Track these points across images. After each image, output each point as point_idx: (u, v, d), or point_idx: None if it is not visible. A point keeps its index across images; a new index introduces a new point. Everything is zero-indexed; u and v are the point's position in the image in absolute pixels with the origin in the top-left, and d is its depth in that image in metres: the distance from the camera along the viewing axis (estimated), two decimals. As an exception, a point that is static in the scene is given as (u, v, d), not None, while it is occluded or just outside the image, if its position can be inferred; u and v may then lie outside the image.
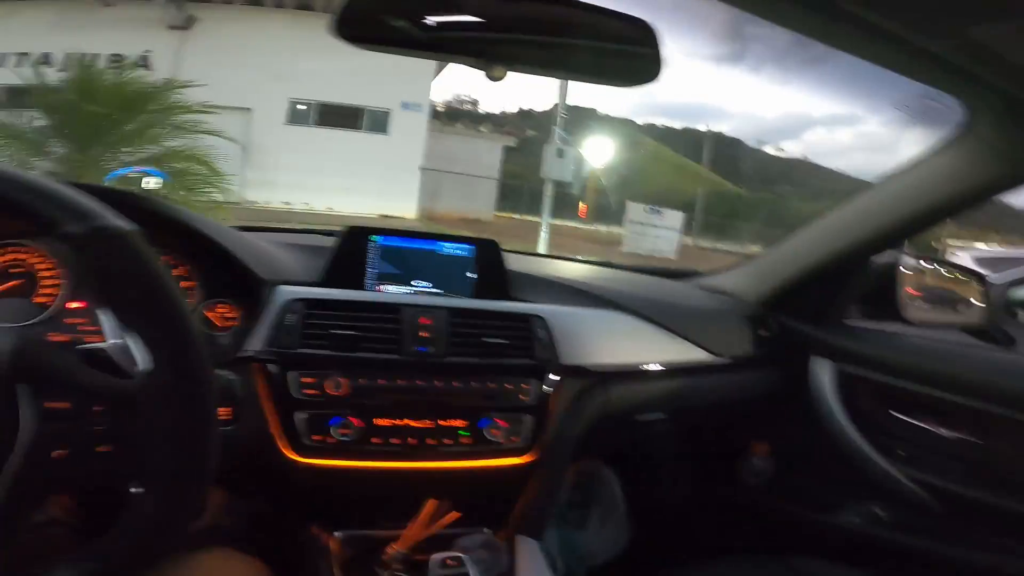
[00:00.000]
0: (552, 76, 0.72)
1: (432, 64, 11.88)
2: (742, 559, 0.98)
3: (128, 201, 0.75)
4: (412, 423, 0.86)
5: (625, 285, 1.20)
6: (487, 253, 1.01)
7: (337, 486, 0.89)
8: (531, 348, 0.92)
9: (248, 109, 9.97)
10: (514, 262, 1.05)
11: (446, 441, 0.87)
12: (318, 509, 0.93)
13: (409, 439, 0.85)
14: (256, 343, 0.81)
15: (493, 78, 0.64)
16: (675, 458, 1.29)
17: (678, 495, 1.36)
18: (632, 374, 1.04)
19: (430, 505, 0.91)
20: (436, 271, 0.99)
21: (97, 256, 0.45)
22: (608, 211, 14.86)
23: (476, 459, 0.89)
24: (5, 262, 0.80)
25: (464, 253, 1.01)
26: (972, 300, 1.19)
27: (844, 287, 1.20)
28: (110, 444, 0.47)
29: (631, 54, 0.64)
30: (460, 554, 0.84)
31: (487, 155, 14.48)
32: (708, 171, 16.14)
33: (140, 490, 0.50)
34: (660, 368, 1.07)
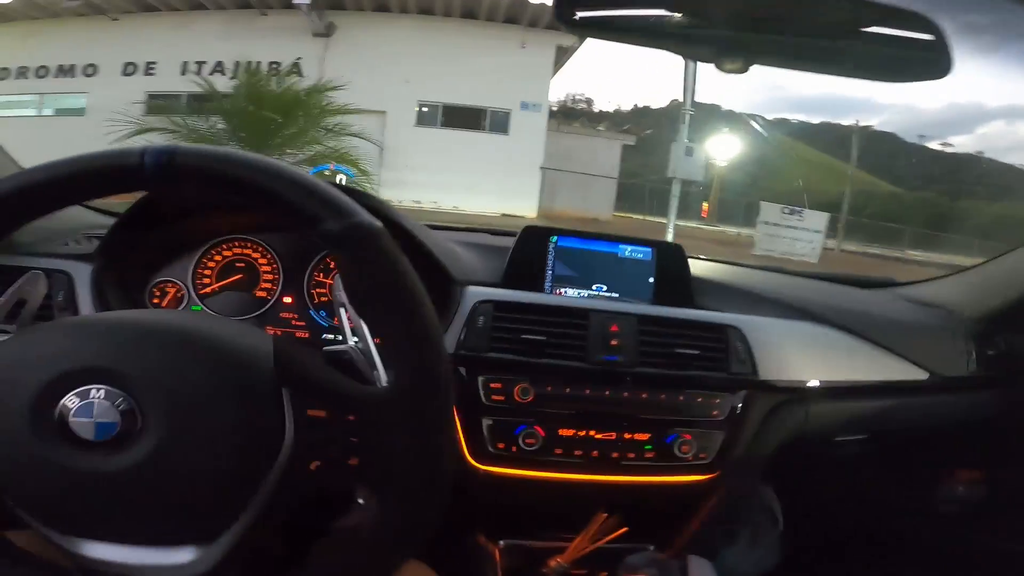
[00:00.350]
0: (801, 69, 0.63)
1: (549, 63, 11.98)
2: None
3: (358, 198, 0.79)
4: (596, 435, 0.82)
5: (817, 294, 1.09)
6: (669, 257, 0.96)
7: (512, 495, 0.88)
8: (726, 361, 0.86)
9: (383, 112, 10.69)
10: (693, 267, 0.98)
11: (629, 455, 0.83)
12: (487, 517, 0.92)
13: (592, 451, 0.82)
14: (448, 344, 0.82)
15: (728, 71, 0.58)
16: (869, 482, 1.17)
17: (858, 520, 1.23)
18: (836, 391, 0.94)
19: (599, 519, 0.88)
20: (615, 274, 0.95)
21: (352, 252, 0.44)
22: (733, 212, 13.94)
23: (659, 475, 0.84)
24: (231, 256, 0.87)
25: (644, 256, 0.96)
26: None
27: None
28: (359, 456, 0.46)
29: (908, 48, 0.54)
30: (651, 574, 0.80)
31: (605, 154, 14.24)
32: (855, 168, 14.46)
33: (364, 501, 0.50)
34: (868, 386, 0.96)
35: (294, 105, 6.20)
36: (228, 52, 10.62)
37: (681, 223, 8.49)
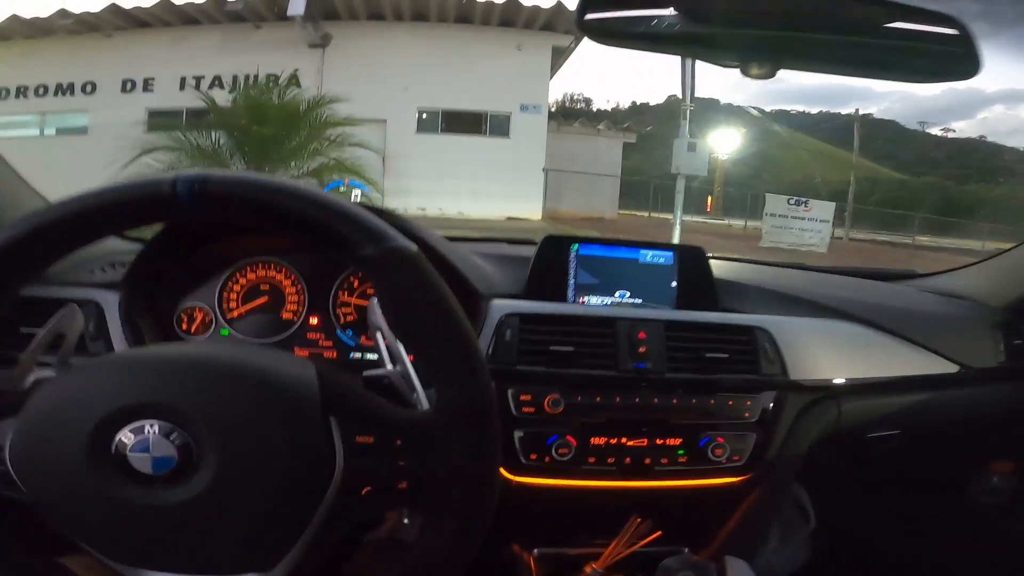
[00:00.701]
0: (829, 72, 0.63)
1: (547, 65, 12.00)
2: None
3: (387, 219, 0.80)
4: (628, 442, 0.82)
5: (841, 290, 1.08)
6: (691, 260, 0.95)
7: (546, 504, 0.88)
8: (756, 362, 0.85)
9: (383, 120, 10.72)
10: (715, 268, 0.97)
11: (663, 460, 0.83)
12: (521, 527, 0.92)
13: (625, 459, 0.82)
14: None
15: (755, 76, 0.57)
16: (903, 478, 1.16)
17: (893, 515, 1.23)
18: (866, 388, 0.94)
19: (633, 523, 0.88)
20: (637, 280, 0.94)
21: (390, 277, 0.44)
22: (738, 205, 13.91)
23: (693, 478, 0.84)
24: (254, 279, 0.88)
25: (666, 261, 0.95)
26: None
27: None
28: (407, 479, 0.45)
29: (934, 49, 0.54)
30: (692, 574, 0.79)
31: (607, 153, 14.23)
32: (858, 157, 14.38)
33: (409, 520, 0.50)
34: (896, 381, 0.96)
35: (295, 118, 6.25)
36: (225, 66, 10.68)
37: (687, 218, 8.48)
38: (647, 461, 0.82)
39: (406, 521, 0.53)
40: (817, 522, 1.23)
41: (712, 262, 0.99)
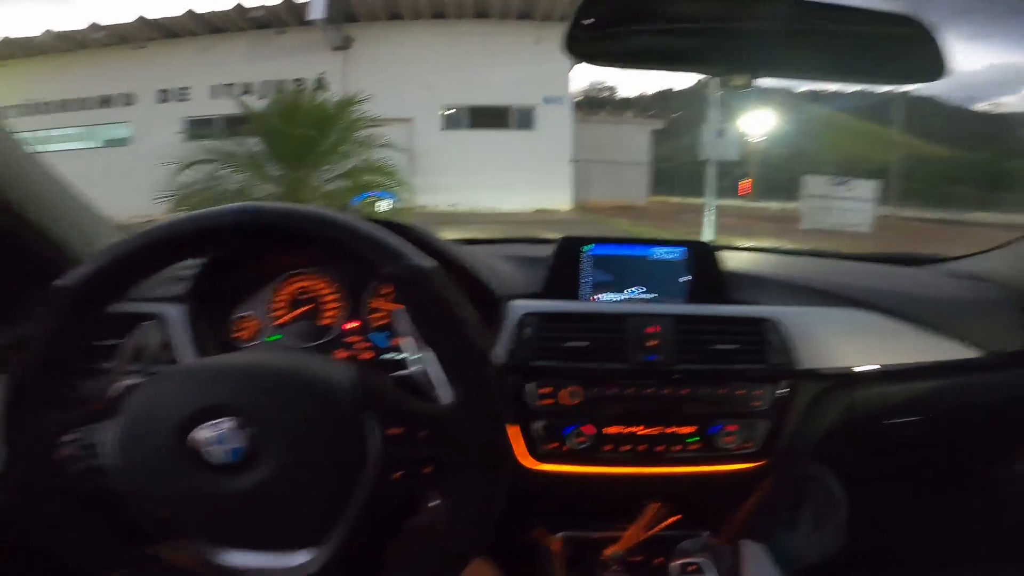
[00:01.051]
0: (806, 79, 0.66)
1: (567, 56, 11.85)
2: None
3: (407, 233, 0.86)
4: (642, 430, 0.86)
5: (857, 278, 1.09)
6: (700, 255, 0.98)
7: (566, 490, 0.93)
8: (763, 353, 0.88)
9: (409, 119, 10.86)
10: (727, 260, 1.00)
11: (674, 448, 0.87)
12: (543, 512, 0.98)
13: (639, 446, 0.86)
14: (497, 357, 0.87)
15: (736, 87, 0.61)
16: (925, 464, 1.16)
17: (919, 502, 1.23)
18: (882, 376, 0.94)
19: (651, 508, 0.92)
20: (649, 277, 0.98)
21: (409, 291, 0.51)
22: (774, 187, 13.51)
23: (705, 464, 0.88)
24: (296, 290, 0.96)
25: (676, 257, 0.98)
26: None
27: None
28: (432, 464, 0.53)
29: (901, 51, 0.57)
30: (699, 560, 0.84)
31: (634, 140, 14.07)
32: (900, 134, 13.74)
33: (437, 503, 0.57)
34: (914, 368, 0.96)
35: (326, 121, 6.39)
36: (253, 72, 10.98)
37: (722, 202, 8.32)
38: (660, 448, 0.86)
39: (432, 504, 0.59)
40: (848, 510, 1.24)
41: (728, 254, 1.02)
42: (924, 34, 0.54)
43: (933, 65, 0.55)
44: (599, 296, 0.97)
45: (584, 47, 0.64)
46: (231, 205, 0.52)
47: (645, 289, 0.97)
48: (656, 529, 0.92)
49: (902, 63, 0.57)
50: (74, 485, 0.52)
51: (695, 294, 0.97)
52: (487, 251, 1.04)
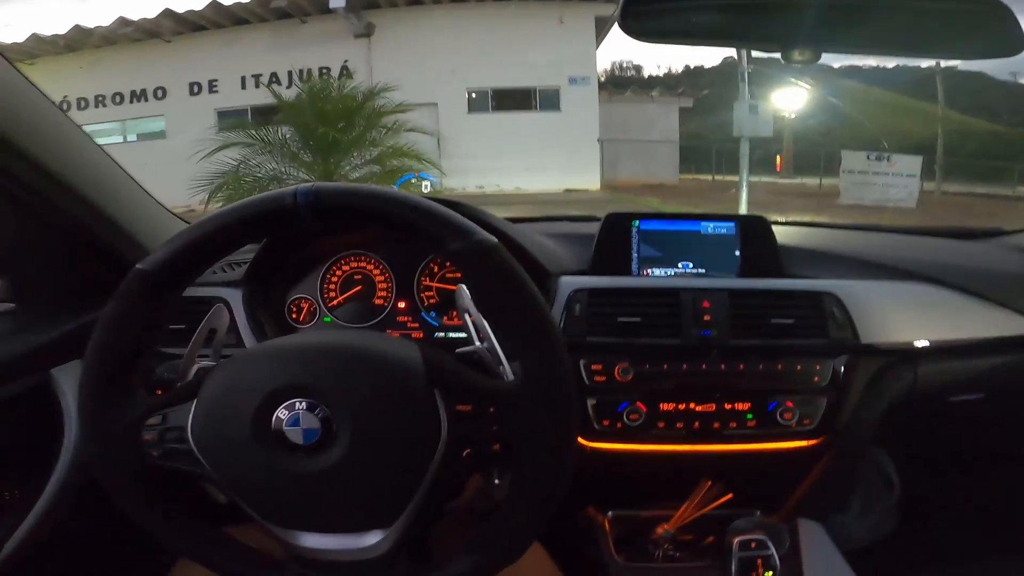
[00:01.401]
0: (872, 54, 0.62)
1: (591, 35, 11.65)
2: None
3: (466, 213, 0.86)
4: (697, 407, 0.85)
5: (917, 251, 1.06)
6: (754, 230, 0.96)
7: (619, 469, 0.92)
8: (824, 327, 0.86)
9: (434, 103, 10.83)
10: (780, 235, 0.97)
11: (731, 424, 0.85)
12: (596, 490, 0.97)
13: (694, 423, 0.85)
14: None
15: (796, 61, 0.58)
16: (987, 444, 1.13)
17: (979, 483, 1.19)
18: (945, 351, 0.91)
19: (703, 486, 0.91)
20: (700, 251, 0.96)
21: (476, 267, 0.50)
22: (810, 163, 13.08)
23: (762, 442, 0.86)
24: (348, 271, 0.97)
25: (728, 231, 0.96)
26: None
27: None
28: (500, 441, 0.52)
29: (977, 25, 0.53)
30: (759, 536, 0.83)
31: (662, 119, 13.77)
32: (944, 109, 13.10)
33: (499, 481, 0.56)
34: (979, 343, 0.92)
35: (354, 109, 6.43)
36: (279, 63, 11.07)
37: (755, 179, 8.11)
38: (716, 425, 0.85)
39: (497, 482, 0.59)
40: (900, 489, 1.21)
41: (778, 228, 0.99)
42: (1001, 7, 0.51)
43: (1010, 40, 0.51)
44: (650, 271, 0.96)
45: (640, 25, 0.61)
46: (301, 185, 0.51)
47: (695, 264, 0.96)
48: (709, 508, 0.91)
49: (978, 37, 0.53)
50: (155, 466, 0.52)
51: (747, 268, 0.94)
52: (532, 228, 1.03)
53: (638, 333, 0.86)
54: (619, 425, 0.85)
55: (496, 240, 0.51)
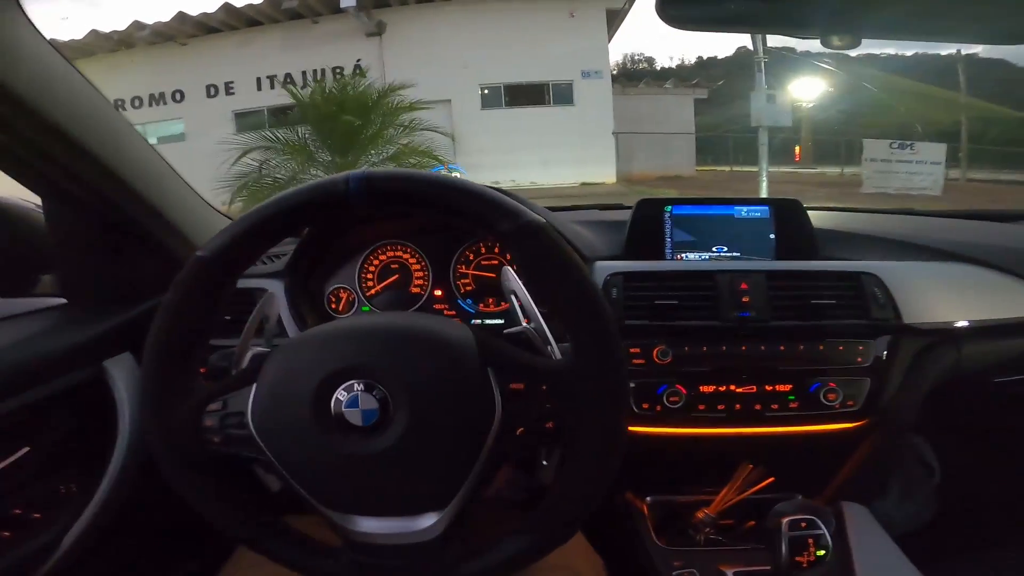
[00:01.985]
0: (910, 39, 0.61)
1: (603, 28, 11.54)
2: None
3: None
4: (737, 389, 0.85)
5: (956, 233, 1.04)
6: (788, 213, 0.96)
7: (660, 452, 0.92)
8: (866, 307, 0.85)
9: (448, 100, 10.83)
10: (815, 219, 0.97)
11: (773, 406, 0.85)
12: (635, 475, 0.97)
13: (735, 405, 0.85)
14: None
15: (835, 47, 0.57)
16: None
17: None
18: (988, 331, 0.90)
19: (744, 470, 0.91)
20: (733, 235, 0.96)
21: (527, 247, 0.50)
22: (830, 152, 12.86)
23: (805, 424, 0.86)
24: (385, 260, 0.98)
25: (761, 215, 0.96)
26: None
27: None
28: (553, 419, 0.52)
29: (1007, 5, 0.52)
30: (809, 517, 0.82)
31: (677, 111, 13.63)
32: (965, 97, 12.78)
33: (547, 462, 0.56)
34: (1021, 323, 0.91)
35: (368, 107, 6.46)
36: (292, 63, 11.13)
37: (774, 169, 8.00)
38: (757, 407, 0.85)
39: (544, 463, 0.59)
40: (943, 475, 1.19)
41: (811, 213, 0.98)
42: None
43: None
44: (684, 255, 0.96)
45: (678, 11, 0.61)
46: (351, 171, 0.52)
47: (730, 248, 0.96)
48: (750, 491, 0.90)
49: (1010, 21, 0.52)
50: (215, 453, 0.52)
51: (783, 251, 0.94)
52: (565, 216, 1.04)
53: (675, 316, 0.85)
54: (659, 408, 0.85)
55: (544, 221, 0.51)
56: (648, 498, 0.97)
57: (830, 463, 0.94)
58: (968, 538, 1.14)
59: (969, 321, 0.89)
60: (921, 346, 0.87)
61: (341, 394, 0.49)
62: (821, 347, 0.84)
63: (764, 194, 6.48)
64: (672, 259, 0.95)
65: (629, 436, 0.85)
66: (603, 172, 10.93)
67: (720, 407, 0.85)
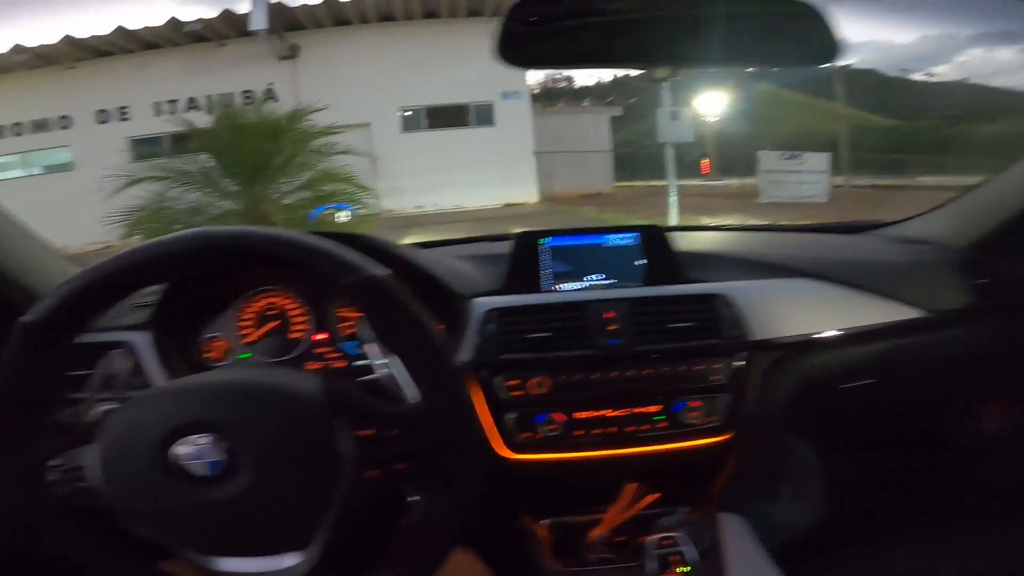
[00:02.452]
0: (720, 67, 0.68)
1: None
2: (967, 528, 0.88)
3: (363, 244, 0.85)
4: (610, 413, 0.89)
5: (803, 249, 1.14)
6: (653, 239, 1.01)
7: (545, 477, 0.95)
8: (718, 328, 0.91)
9: (367, 124, 10.70)
10: (680, 241, 1.03)
11: (643, 427, 0.89)
12: (529, 501, 0.99)
13: (609, 428, 0.89)
14: (465, 354, 0.88)
15: (658, 80, 0.63)
16: (889, 426, 1.20)
17: (890, 465, 1.26)
18: (833, 341, 0.98)
19: (629, 489, 0.95)
20: (606, 263, 1.01)
21: (368, 300, 0.53)
22: (734, 164, 13.81)
23: (674, 442, 0.90)
24: (263, 307, 0.95)
25: (630, 242, 1.01)
26: None
27: None
28: (406, 461, 0.55)
29: (802, 37, 0.60)
30: (675, 534, 0.86)
31: (595, 128, 14.21)
32: (845, 107, 14.22)
33: (418, 498, 0.58)
34: (863, 331, 0.99)
35: (278, 132, 6.24)
36: (197, 87, 10.62)
37: (684, 183, 8.48)
38: (630, 429, 0.89)
39: (413, 499, 0.60)
40: (822, 477, 1.27)
41: (681, 234, 1.05)
42: (819, 18, 0.57)
43: (828, 48, 0.57)
44: (560, 286, 0.99)
45: (513, 52, 0.65)
46: (185, 232, 0.53)
47: (604, 275, 1.00)
48: (636, 509, 0.94)
49: (801, 47, 0.60)
50: (68, 505, 0.54)
51: (650, 276, 0.99)
52: (447, 252, 1.05)
53: (550, 347, 0.89)
54: (539, 436, 0.87)
55: (387, 273, 0.53)
56: (545, 521, 1.00)
57: (706, 476, 0.99)
58: (859, 535, 1.22)
59: (815, 334, 0.96)
60: (773, 360, 0.93)
61: (184, 447, 0.49)
62: (683, 368, 0.89)
63: (674, 209, 6.85)
64: (549, 290, 0.98)
65: (516, 464, 0.88)
66: (526, 192, 11.16)
67: (596, 431, 0.89)
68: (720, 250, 1.08)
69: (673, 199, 6.96)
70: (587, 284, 0.99)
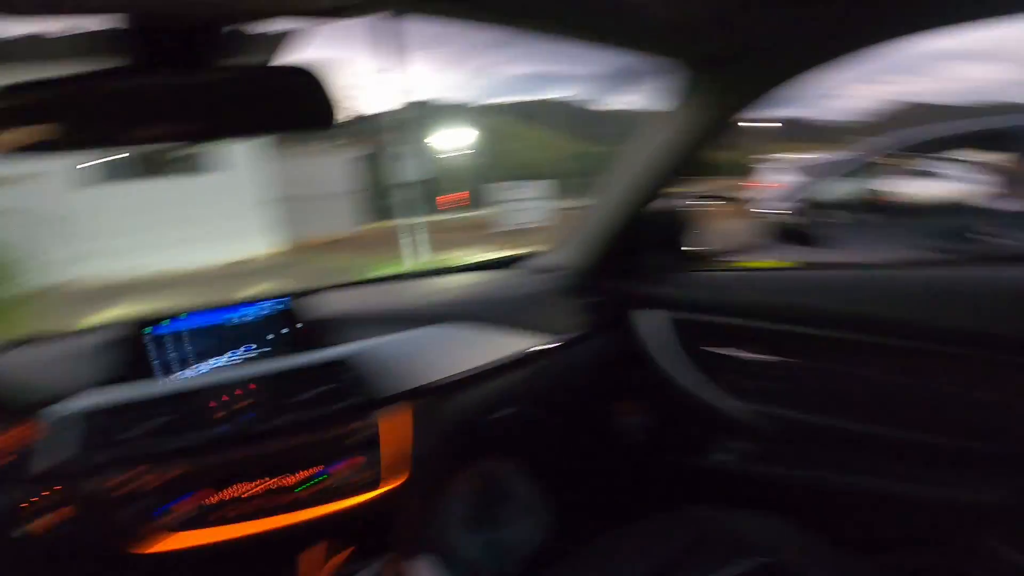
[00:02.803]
0: (218, 141, 0.69)
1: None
2: (646, 521, 0.94)
3: None
4: (249, 492, 0.85)
5: (444, 294, 1.21)
6: (280, 309, 0.99)
7: (226, 564, 0.87)
8: (347, 390, 0.91)
9: (39, 174, 8.57)
10: (321, 303, 1.03)
11: (288, 498, 0.87)
12: None
13: (250, 506, 0.85)
14: (41, 465, 0.77)
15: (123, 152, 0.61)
16: (549, 444, 1.28)
17: (566, 477, 1.33)
18: (468, 380, 1.03)
19: (309, 554, 0.90)
20: (230, 342, 0.96)
21: None
22: (472, 197, 14.89)
23: (332, 502, 0.89)
24: None
25: (253, 317, 0.97)
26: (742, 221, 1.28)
27: (639, 239, 1.22)
28: None
29: (298, 103, 0.62)
30: None
31: (338, 170, 13.85)
32: (556, 136, 16.64)
33: None
34: (495, 367, 1.06)
35: None
36: None
37: (432, 219, 8.74)
38: (271, 503, 0.86)
39: None
40: (533, 498, 1.28)
41: (319, 297, 1.05)
42: (316, 84, 0.59)
43: (323, 113, 0.61)
44: (178, 374, 0.91)
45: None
46: None
47: (230, 355, 0.95)
48: (329, 568, 0.90)
49: (295, 112, 0.62)
50: None
51: (281, 348, 0.97)
52: (39, 349, 0.93)
53: (163, 441, 0.81)
54: (174, 521, 0.82)
55: None
56: None
57: (391, 526, 0.97)
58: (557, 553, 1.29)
59: (446, 377, 1.00)
60: (413, 409, 0.95)
61: None
62: (325, 433, 0.89)
63: (413, 247, 7.03)
64: (163, 379, 0.90)
65: (169, 558, 0.80)
66: (258, 244, 10.18)
67: (233, 512, 0.84)
68: (360, 307, 1.10)
69: (409, 238, 7.14)
70: (211, 366, 0.93)
